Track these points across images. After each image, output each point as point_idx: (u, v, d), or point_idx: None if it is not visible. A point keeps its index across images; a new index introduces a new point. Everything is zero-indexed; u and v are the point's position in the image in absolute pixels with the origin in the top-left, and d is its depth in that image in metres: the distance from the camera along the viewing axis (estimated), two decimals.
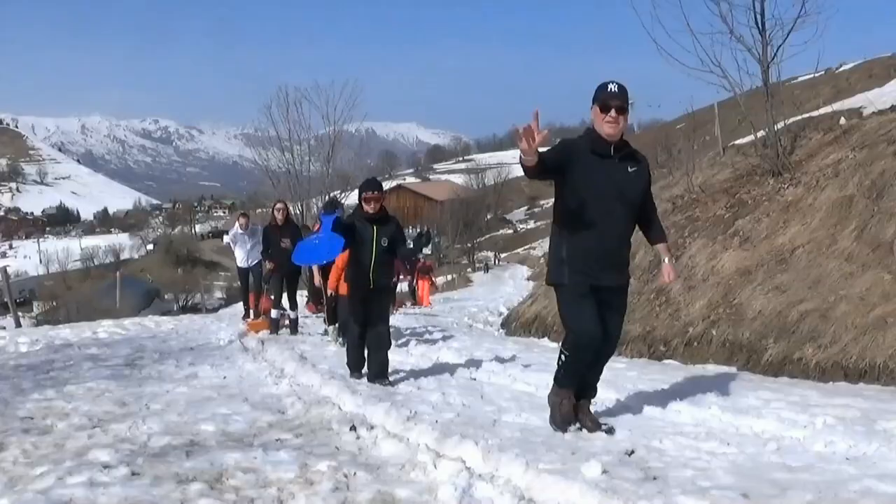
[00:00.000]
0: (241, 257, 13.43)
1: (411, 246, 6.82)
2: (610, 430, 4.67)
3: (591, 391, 4.87)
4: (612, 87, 4.46)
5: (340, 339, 9.01)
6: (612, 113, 4.43)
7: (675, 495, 3.41)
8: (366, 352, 6.83)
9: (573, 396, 4.74)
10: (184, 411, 5.42)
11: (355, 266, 6.73)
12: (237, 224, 13.87)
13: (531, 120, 4.03)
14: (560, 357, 4.67)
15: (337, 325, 9.25)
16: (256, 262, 12.95)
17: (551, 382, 4.80)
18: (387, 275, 6.84)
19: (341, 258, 8.76)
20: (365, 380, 6.67)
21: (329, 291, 9.08)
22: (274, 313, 10.67)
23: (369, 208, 6.60)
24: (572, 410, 4.72)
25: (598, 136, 4.50)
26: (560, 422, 4.69)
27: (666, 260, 4.88)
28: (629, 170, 4.58)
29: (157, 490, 3.65)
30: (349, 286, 6.93)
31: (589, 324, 4.49)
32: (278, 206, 11.05)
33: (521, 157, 4.21)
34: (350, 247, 6.66)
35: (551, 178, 4.50)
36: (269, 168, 25.43)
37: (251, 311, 13.00)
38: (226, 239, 13.28)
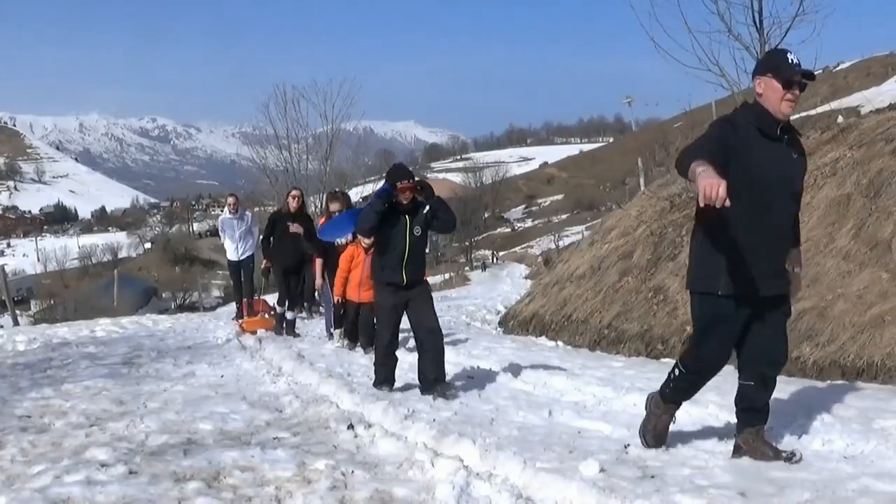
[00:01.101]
0: (231, 248, 12.01)
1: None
2: (793, 457, 3.97)
3: (762, 416, 4.11)
4: (795, 59, 3.78)
5: (347, 343, 8.64)
6: (796, 90, 3.77)
7: (673, 494, 3.41)
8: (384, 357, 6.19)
9: (675, 415, 4.24)
10: (181, 410, 5.42)
11: (385, 261, 6.00)
12: (226, 208, 12.39)
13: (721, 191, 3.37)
14: (674, 370, 4.09)
15: (343, 329, 8.78)
16: (248, 255, 11.94)
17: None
18: (421, 269, 6.14)
19: (345, 260, 8.29)
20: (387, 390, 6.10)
21: (335, 298, 8.52)
22: (280, 310, 10.03)
23: (402, 198, 5.93)
24: (667, 429, 4.19)
25: (766, 115, 3.81)
26: (651, 438, 4.15)
27: (796, 269, 4.10)
28: (793, 156, 3.91)
29: (154, 488, 3.65)
30: (377, 287, 6.18)
31: (722, 354, 3.93)
32: (294, 192, 10.09)
33: (689, 181, 3.60)
34: (377, 237, 6.11)
35: None
36: (267, 166, 25.43)
37: (244, 313, 11.80)
38: (225, 240, 12.44)
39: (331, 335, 9.33)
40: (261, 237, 10.86)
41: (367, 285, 8.06)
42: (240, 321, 11.15)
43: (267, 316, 10.94)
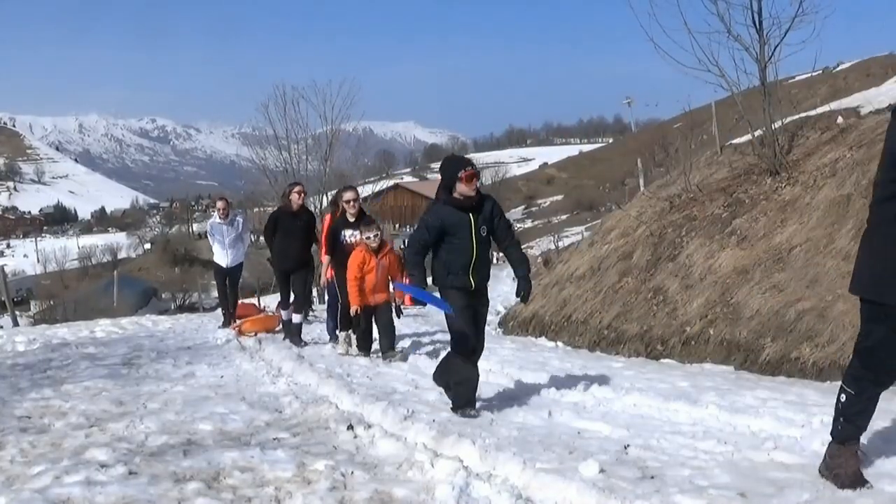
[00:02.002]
0: (220, 254, 11.25)
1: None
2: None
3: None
4: None
5: (352, 349, 8.08)
6: None
7: (673, 494, 3.42)
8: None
9: (861, 452, 3.65)
10: (181, 410, 5.42)
11: (450, 265, 5.23)
12: (215, 213, 11.55)
13: None
14: (839, 399, 3.57)
15: (349, 331, 8.23)
16: (237, 263, 11.30)
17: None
18: (488, 273, 5.43)
19: (355, 266, 7.64)
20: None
21: (354, 309, 7.71)
22: (284, 314, 9.42)
23: (469, 189, 5.14)
24: (859, 470, 3.57)
25: None
26: (850, 483, 3.49)
27: None
28: None
29: (154, 489, 3.65)
30: (444, 291, 5.33)
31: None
32: (297, 188, 9.28)
33: None
34: (442, 244, 5.25)
35: None
36: (267, 167, 25.48)
37: (232, 320, 11.02)
38: (213, 244, 11.67)
39: (333, 338, 8.88)
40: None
41: (381, 288, 7.81)
42: (237, 323, 10.52)
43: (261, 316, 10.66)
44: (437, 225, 5.19)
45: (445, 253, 5.25)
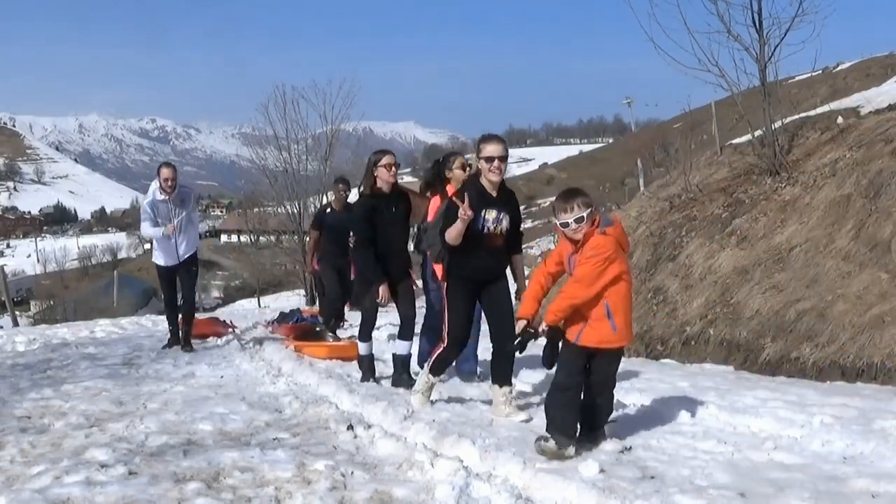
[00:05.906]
0: (163, 246, 8.36)
1: None
2: None
3: None
4: None
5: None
6: None
7: (673, 494, 3.42)
8: None
9: None
10: (181, 410, 5.42)
11: None
12: (153, 184, 8.31)
13: None
14: None
15: (431, 372, 5.42)
16: (189, 254, 8.56)
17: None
18: None
19: (555, 258, 4.55)
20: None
21: (521, 323, 4.65)
22: (363, 347, 6.41)
23: None
24: None
25: None
26: None
27: None
28: None
29: (154, 489, 3.65)
30: None
31: None
32: (387, 158, 6.12)
33: None
34: None
35: None
36: (267, 167, 25.56)
37: (179, 334, 8.68)
38: (148, 230, 8.46)
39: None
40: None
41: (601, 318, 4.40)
42: (289, 339, 8.69)
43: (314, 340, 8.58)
44: None
45: None
